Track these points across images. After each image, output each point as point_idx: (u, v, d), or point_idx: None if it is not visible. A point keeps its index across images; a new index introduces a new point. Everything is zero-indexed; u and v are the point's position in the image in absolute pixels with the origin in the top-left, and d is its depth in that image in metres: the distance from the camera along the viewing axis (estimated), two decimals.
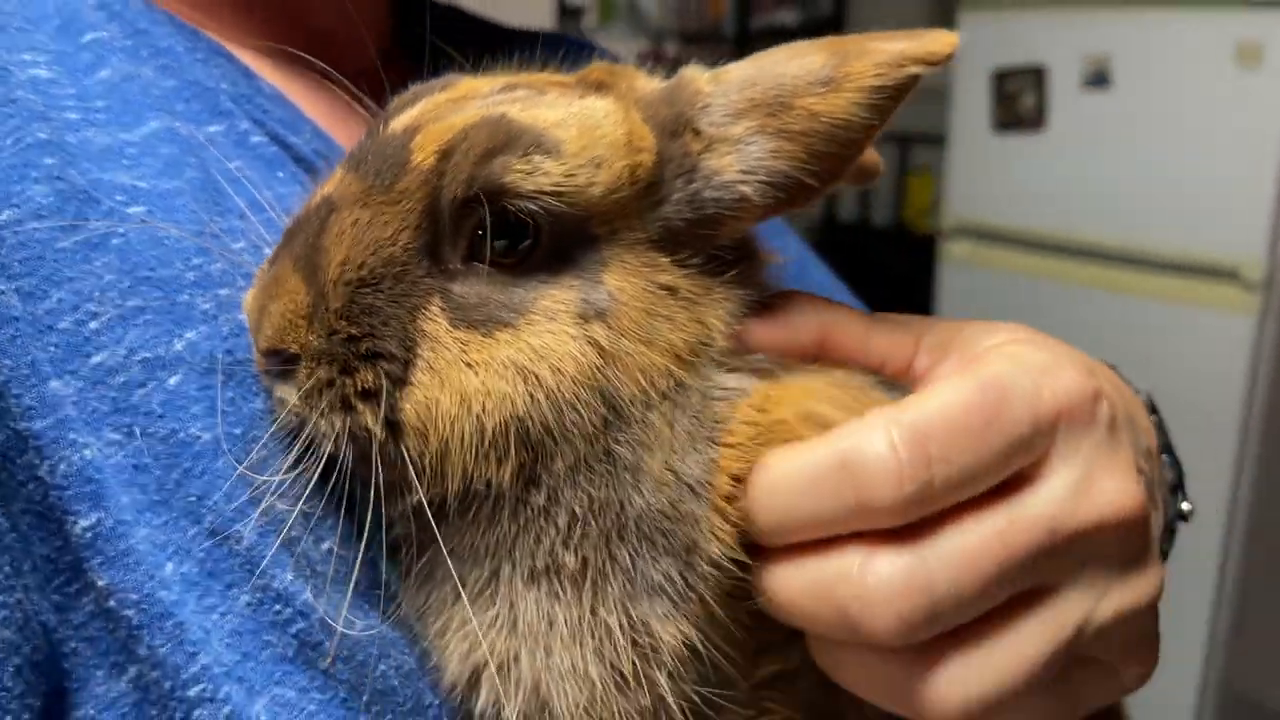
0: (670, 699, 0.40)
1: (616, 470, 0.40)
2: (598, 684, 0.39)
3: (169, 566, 0.39)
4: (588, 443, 0.40)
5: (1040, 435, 0.40)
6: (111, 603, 0.39)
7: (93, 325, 0.41)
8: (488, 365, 0.39)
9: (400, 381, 0.39)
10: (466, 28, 0.79)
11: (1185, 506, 0.53)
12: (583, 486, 0.40)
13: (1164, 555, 0.52)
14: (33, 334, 0.40)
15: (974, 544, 0.38)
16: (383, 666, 0.41)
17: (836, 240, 4.07)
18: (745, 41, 3.71)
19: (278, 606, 0.40)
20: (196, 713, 0.38)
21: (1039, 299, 2.71)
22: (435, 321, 0.39)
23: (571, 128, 0.40)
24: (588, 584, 0.40)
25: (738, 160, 0.42)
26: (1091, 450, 0.41)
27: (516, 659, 0.40)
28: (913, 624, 0.37)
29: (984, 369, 0.41)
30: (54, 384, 0.39)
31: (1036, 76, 2.65)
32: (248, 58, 0.57)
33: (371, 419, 0.39)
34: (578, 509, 0.40)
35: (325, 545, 0.41)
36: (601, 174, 0.40)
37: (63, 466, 0.39)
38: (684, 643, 0.39)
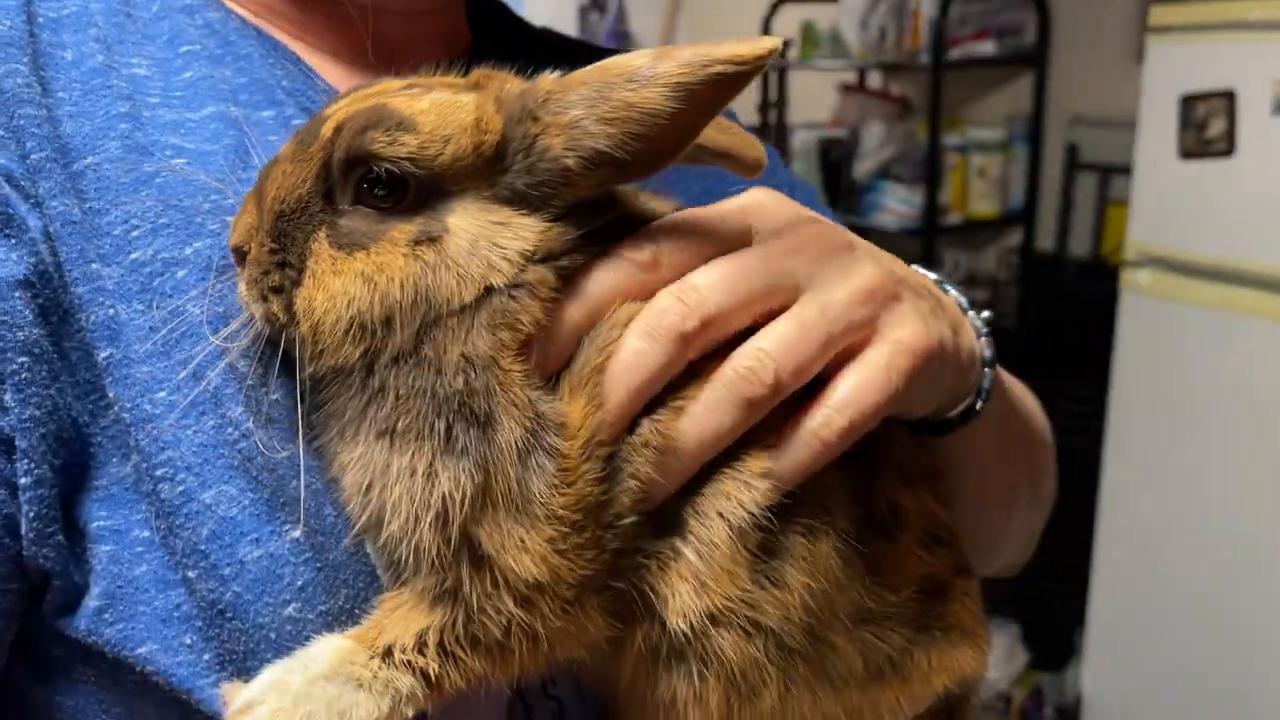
0: (462, 533, 0.54)
1: (425, 363, 0.55)
2: (413, 516, 0.54)
3: (160, 394, 0.58)
4: (407, 338, 0.55)
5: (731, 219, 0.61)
6: (119, 410, 0.58)
7: (134, 234, 0.61)
8: (346, 274, 0.55)
9: (296, 283, 0.56)
10: (551, 42, 0.95)
11: (985, 314, 0.73)
12: (403, 374, 0.55)
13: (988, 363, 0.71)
14: (91, 234, 0.60)
15: (727, 266, 0.58)
16: (295, 482, 0.58)
17: (1031, 270, 3.99)
18: (940, 71, 3.72)
19: (231, 430, 0.58)
20: (162, 486, 0.57)
21: (1225, 332, 2.61)
22: (321, 244, 0.56)
23: (431, 114, 0.55)
24: (412, 443, 0.54)
25: (565, 141, 0.55)
26: (785, 216, 0.62)
27: (369, 488, 0.56)
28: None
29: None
30: (101, 268, 0.59)
31: (1226, 101, 2.56)
32: (326, 65, 0.76)
33: (278, 307, 0.56)
34: (401, 390, 0.55)
35: (274, 396, 0.59)
36: (449, 147, 0.55)
37: (94, 317, 0.59)
38: (474, 491, 0.53)
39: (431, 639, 0.56)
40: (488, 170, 0.56)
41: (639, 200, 0.64)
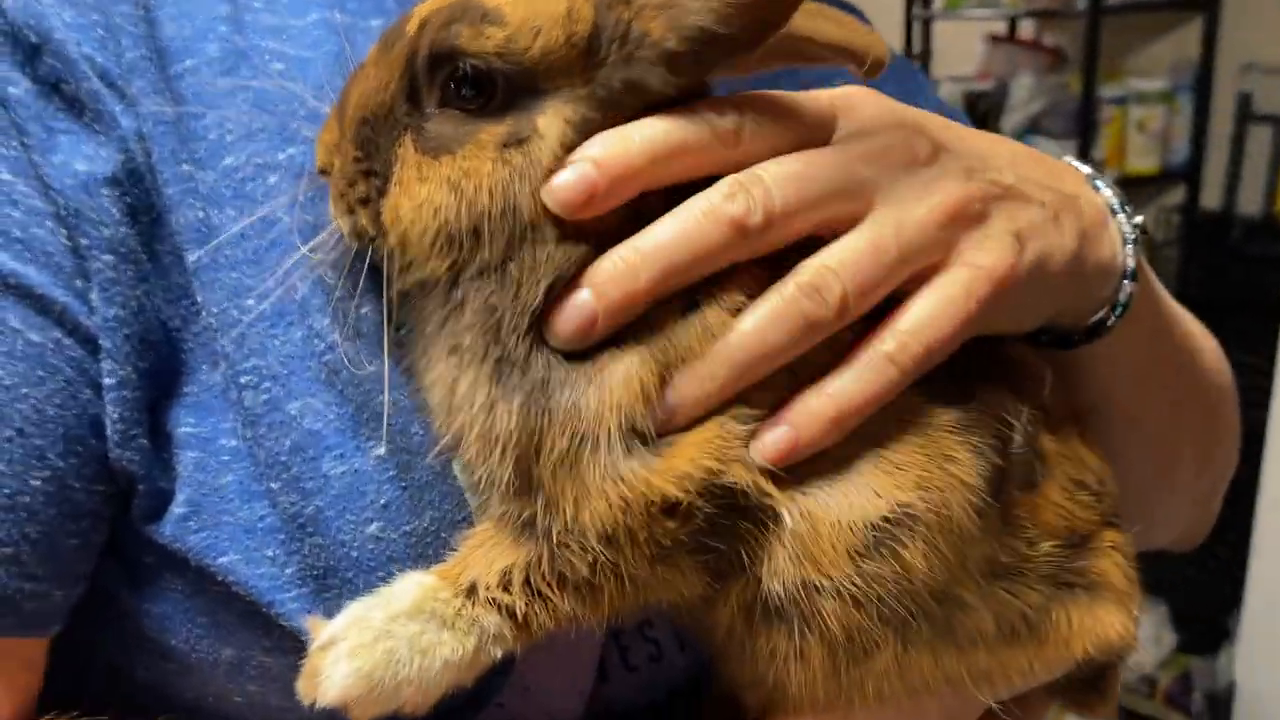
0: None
1: (508, 281, 0.51)
2: (484, 444, 0.52)
3: (249, 303, 0.56)
4: (497, 251, 0.51)
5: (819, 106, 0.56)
6: (206, 315, 0.57)
7: (228, 139, 0.59)
8: (432, 180, 0.52)
9: (382, 193, 0.53)
10: None
11: (1138, 219, 0.66)
12: (485, 289, 0.52)
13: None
14: (186, 137, 0.58)
15: (798, 161, 0.53)
16: (380, 398, 0.56)
17: (1195, 230, 3.75)
18: (1098, 17, 3.50)
19: (318, 341, 0.56)
20: (246, 394, 0.55)
21: None
22: (407, 149, 0.53)
23: (519, 5, 0.51)
24: (476, 365, 0.52)
25: (664, 22, 0.50)
26: (872, 118, 0.56)
27: (448, 409, 0.54)
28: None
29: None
30: (194, 171, 0.57)
31: None
32: None
33: (366, 220, 0.53)
34: (477, 305, 0.52)
35: (363, 310, 0.57)
36: (540, 40, 0.51)
37: (184, 219, 0.57)
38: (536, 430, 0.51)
39: (516, 576, 0.53)
40: (583, 65, 0.52)
41: None
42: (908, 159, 0.56)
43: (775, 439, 0.52)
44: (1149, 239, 0.86)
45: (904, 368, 0.54)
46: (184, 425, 0.57)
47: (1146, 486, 0.82)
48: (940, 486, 0.54)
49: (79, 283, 0.56)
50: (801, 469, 0.53)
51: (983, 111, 4.11)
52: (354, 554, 0.55)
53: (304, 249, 0.56)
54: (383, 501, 0.56)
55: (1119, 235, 0.65)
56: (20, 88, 0.57)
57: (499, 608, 0.53)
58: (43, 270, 0.55)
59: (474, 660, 0.53)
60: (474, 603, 0.53)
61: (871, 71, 0.58)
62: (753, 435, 0.53)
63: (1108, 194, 0.67)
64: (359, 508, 0.55)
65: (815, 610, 0.53)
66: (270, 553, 0.56)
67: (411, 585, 0.53)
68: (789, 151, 0.54)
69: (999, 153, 0.61)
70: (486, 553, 0.54)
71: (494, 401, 0.51)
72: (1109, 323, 0.65)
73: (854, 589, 0.53)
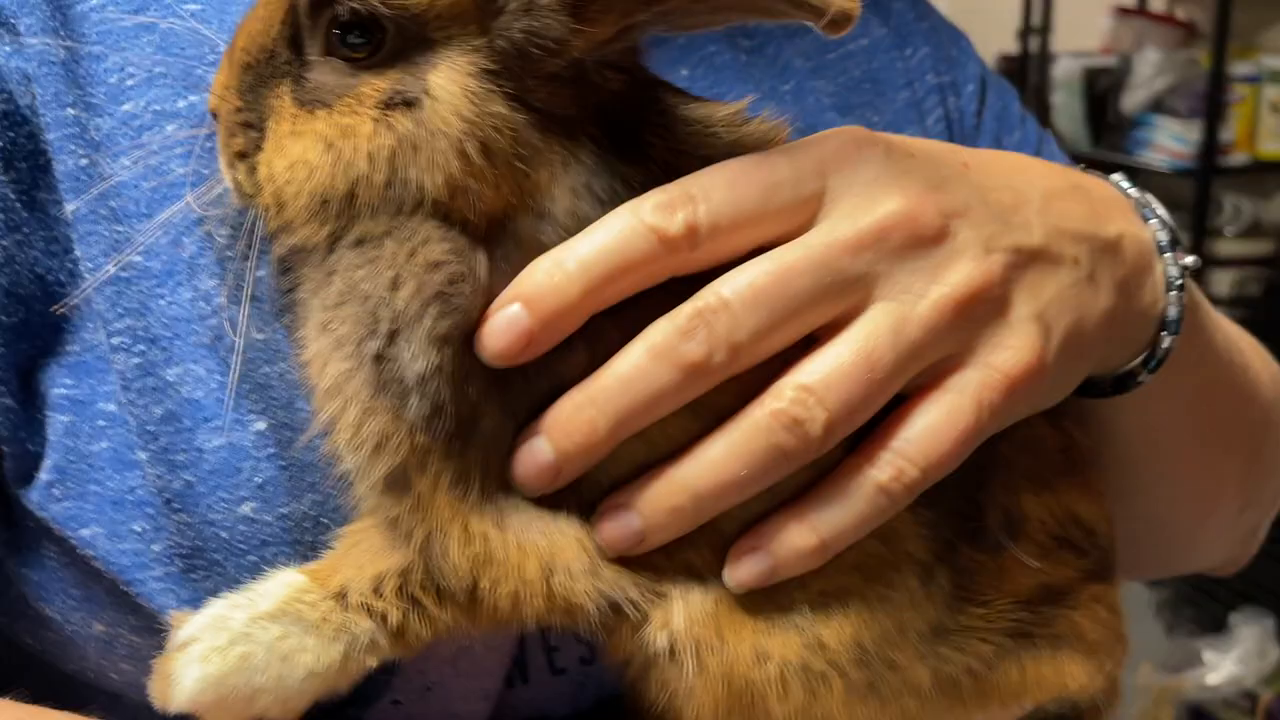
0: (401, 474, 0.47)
1: (383, 261, 0.46)
2: (352, 439, 0.47)
3: (137, 259, 0.53)
4: (379, 224, 0.46)
5: (803, 179, 0.46)
6: (82, 270, 0.54)
7: (128, 83, 0.56)
8: (306, 136, 0.46)
9: (258, 147, 0.48)
10: None
11: (1187, 260, 0.57)
12: (358, 265, 0.46)
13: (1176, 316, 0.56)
14: (83, 80, 0.55)
15: (771, 269, 0.45)
16: (266, 369, 0.52)
17: None
18: None
19: (204, 304, 0.53)
20: (117, 357, 0.52)
21: None
22: (284, 100, 0.47)
23: None
24: (350, 355, 0.47)
25: None
26: (869, 178, 0.47)
27: (318, 388, 0.48)
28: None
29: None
30: (82, 115, 0.54)
31: None
32: None
33: (243, 175, 0.48)
34: (350, 284, 0.46)
35: (259, 273, 0.52)
36: None
37: (63, 167, 0.54)
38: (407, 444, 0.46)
39: (390, 583, 0.48)
40: (479, 12, 0.45)
41: (746, 129, 0.51)
42: (911, 240, 0.47)
43: (752, 568, 0.48)
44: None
45: (897, 496, 0.47)
46: (60, 386, 0.54)
47: (1178, 528, 0.75)
48: (878, 563, 0.50)
49: None
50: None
51: (1102, 89, 3.91)
52: (223, 535, 0.52)
53: (187, 199, 0.53)
54: (259, 480, 0.52)
55: (1163, 279, 0.56)
56: None
57: (372, 614, 0.49)
58: None
59: (342, 669, 0.48)
60: (345, 607, 0.49)
61: (833, 28, 0.50)
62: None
63: (1156, 227, 0.58)
64: (232, 485, 0.52)
65: (707, 664, 0.49)
66: (137, 527, 0.52)
67: (279, 584, 0.49)
68: (761, 243, 0.47)
69: (1028, 198, 0.52)
70: (360, 555, 0.49)
71: (369, 398, 0.46)
72: (1139, 377, 0.57)
73: (754, 655, 0.49)
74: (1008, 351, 0.48)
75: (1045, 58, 4.28)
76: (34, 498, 0.54)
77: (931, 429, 0.47)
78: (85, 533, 0.53)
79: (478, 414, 0.46)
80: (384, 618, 0.48)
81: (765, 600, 0.49)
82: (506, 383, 0.47)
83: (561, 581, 0.47)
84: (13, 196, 0.54)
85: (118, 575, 0.52)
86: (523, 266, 0.46)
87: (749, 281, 0.45)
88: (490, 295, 0.46)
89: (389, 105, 0.46)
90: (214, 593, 0.51)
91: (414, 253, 0.46)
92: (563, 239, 0.46)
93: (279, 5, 0.48)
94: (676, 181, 0.46)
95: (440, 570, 0.47)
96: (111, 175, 0.54)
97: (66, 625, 0.56)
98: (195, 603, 0.51)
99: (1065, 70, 4.08)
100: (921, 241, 0.47)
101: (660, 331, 0.45)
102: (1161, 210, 0.58)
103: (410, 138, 0.45)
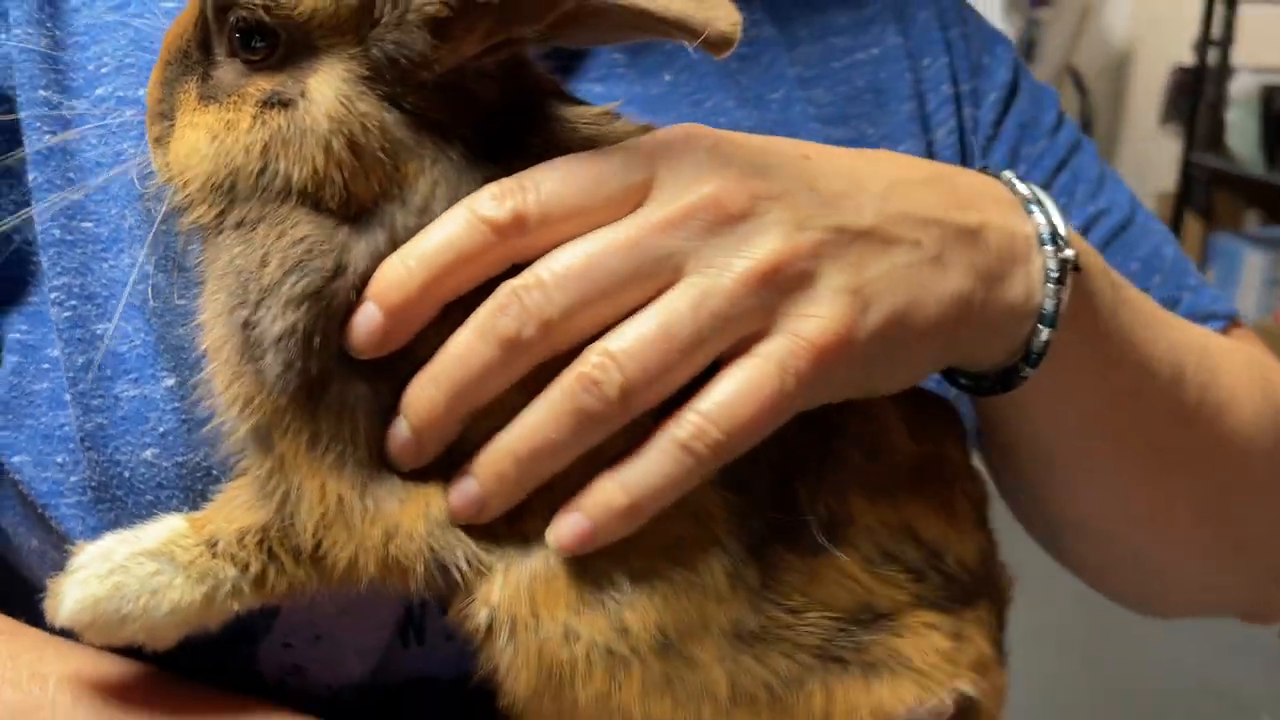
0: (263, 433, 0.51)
1: (254, 245, 0.50)
2: (224, 397, 0.52)
3: (86, 225, 0.61)
4: (252, 210, 0.51)
5: (632, 169, 0.49)
6: (37, 233, 0.62)
7: (102, 71, 0.63)
8: (199, 128, 0.52)
9: (169, 135, 0.54)
10: None
11: (1067, 253, 0.57)
12: (236, 244, 0.51)
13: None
14: (65, 67, 0.63)
15: (584, 250, 0.48)
16: (180, 331, 0.59)
17: None
18: None
19: (137, 269, 0.60)
20: (53, 309, 0.60)
21: None
22: (189, 94, 0.53)
23: None
24: (223, 322, 0.51)
25: None
26: (691, 166, 0.49)
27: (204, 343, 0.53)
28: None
29: None
30: (58, 97, 0.62)
31: None
32: None
33: (159, 159, 0.55)
34: (229, 260, 0.51)
35: (191, 246, 0.58)
36: None
37: (30, 143, 0.62)
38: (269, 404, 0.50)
39: (251, 537, 0.53)
40: (357, 23, 0.50)
41: (609, 127, 0.54)
42: (719, 218, 0.49)
43: (570, 528, 0.50)
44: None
45: (701, 456, 0.49)
46: (15, 331, 0.62)
47: (1127, 546, 0.75)
48: (689, 545, 0.51)
49: None
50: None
51: (1278, 110, 3.67)
52: (126, 474, 0.58)
53: (129, 172, 0.59)
54: (162, 430, 0.59)
55: (1040, 272, 0.56)
56: None
57: (235, 562, 0.54)
58: None
59: (205, 608, 0.53)
60: (213, 554, 0.54)
61: (713, 48, 0.51)
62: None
63: (1040, 221, 0.58)
64: (140, 432, 0.59)
65: (522, 641, 0.52)
66: (59, 459, 0.60)
67: (163, 528, 0.55)
68: (590, 230, 0.50)
69: (866, 185, 0.53)
70: (232, 509, 0.54)
71: (237, 361, 0.51)
72: (1021, 372, 0.57)
73: (564, 633, 0.51)
74: (813, 320, 0.49)
75: (1223, 72, 4.05)
76: None
77: (733, 392, 0.49)
78: (16, 459, 0.60)
79: (330, 379, 0.50)
80: (245, 567, 0.53)
81: (580, 577, 0.51)
82: (376, 367, 0.51)
83: (400, 545, 0.51)
84: None
85: (37, 500, 0.60)
86: (391, 252, 0.50)
87: (563, 261, 0.49)
88: (364, 279, 0.50)
89: (267, 104, 0.51)
90: (116, 524, 0.57)
91: (282, 234, 0.50)
92: (422, 228, 0.50)
93: (194, 11, 0.53)
94: (514, 175, 0.49)
95: (292, 528, 0.52)
96: (79, 150, 0.61)
97: (14, 537, 0.64)
98: (99, 531, 0.57)
99: (1241, 87, 3.86)
100: (729, 219, 0.49)
101: (483, 310, 0.49)
102: (1053, 206, 0.58)
103: (281, 134, 0.50)
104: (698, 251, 0.49)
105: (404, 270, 0.49)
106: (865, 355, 0.51)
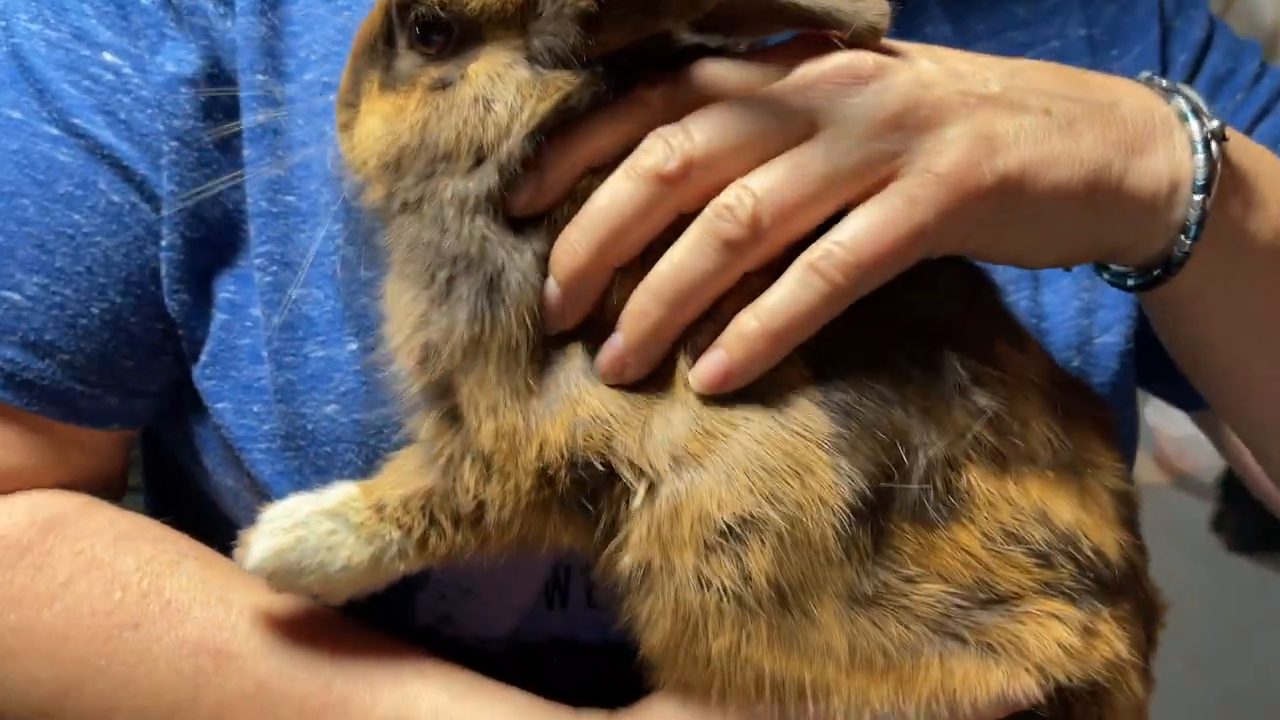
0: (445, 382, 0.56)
1: (425, 215, 0.55)
2: (407, 354, 0.57)
3: (289, 197, 0.68)
4: (411, 184, 0.56)
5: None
6: (246, 204, 0.69)
7: (312, 57, 0.70)
8: (376, 114, 0.57)
9: (354, 121, 0.59)
10: None
11: (1213, 124, 0.57)
12: (410, 221, 0.56)
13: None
14: (279, 53, 0.69)
15: (724, 105, 0.53)
16: (364, 300, 0.65)
17: None
18: None
19: (330, 241, 0.66)
20: (256, 274, 0.67)
21: None
22: (373, 84, 0.58)
23: None
24: (413, 288, 0.57)
25: None
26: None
27: (388, 323, 0.59)
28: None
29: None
30: (271, 80, 0.68)
31: None
32: None
33: (344, 143, 0.60)
34: (405, 238, 0.56)
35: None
36: None
37: (246, 121, 0.68)
38: (460, 341, 0.55)
39: (415, 503, 0.59)
40: (522, 18, 0.55)
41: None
42: (848, 79, 0.53)
43: (709, 364, 0.54)
44: None
45: (833, 280, 0.52)
46: (225, 291, 0.69)
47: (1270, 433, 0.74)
48: (795, 500, 0.53)
49: (162, 160, 0.67)
50: (668, 454, 0.54)
51: None
52: (309, 427, 0.65)
53: (313, 150, 0.66)
54: (344, 389, 0.65)
55: (1187, 144, 0.57)
56: None
57: (400, 526, 0.59)
58: (134, 147, 0.68)
59: (372, 568, 0.59)
60: (381, 518, 0.60)
61: (861, 39, 0.54)
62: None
63: (1180, 102, 0.58)
64: (324, 389, 0.65)
65: (661, 587, 0.55)
66: (256, 408, 0.67)
67: (339, 491, 0.61)
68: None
69: (996, 67, 0.56)
70: (399, 477, 0.60)
71: (428, 319, 0.56)
72: (1182, 249, 0.57)
73: (696, 578, 0.54)
74: (940, 156, 0.52)
75: None
76: (195, 374, 0.69)
77: (864, 220, 0.52)
78: (219, 405, 0.67)
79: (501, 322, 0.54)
80: (409, 530, 0.59)
81: (699, 517, 0.53)
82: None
83: (549, 454, 0.54)
84: (208, 141, 0.68)
85: (233, 443, 0.67)
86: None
87: (704, 113, 0.53)
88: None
89: (433, 87, 0.56)
90: (299, 471, 0.65)
91: (443, 203, 0.55)
92: None
93: (381, 9, 0.58)
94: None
95: (453, 491, 0.57)
96: (288, 130, 0.68)
97: (214, 475, 0.72)
98: (286, 475, 0.65)
99: None
100: (859, 80, 0.52)
101: (629, 158, 0.53)
102: (1192, 91, 0.58)
103: (441, 112, 0.55)
104: (830, 107, 0.52)
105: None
106: (995, 200, 0.52)
